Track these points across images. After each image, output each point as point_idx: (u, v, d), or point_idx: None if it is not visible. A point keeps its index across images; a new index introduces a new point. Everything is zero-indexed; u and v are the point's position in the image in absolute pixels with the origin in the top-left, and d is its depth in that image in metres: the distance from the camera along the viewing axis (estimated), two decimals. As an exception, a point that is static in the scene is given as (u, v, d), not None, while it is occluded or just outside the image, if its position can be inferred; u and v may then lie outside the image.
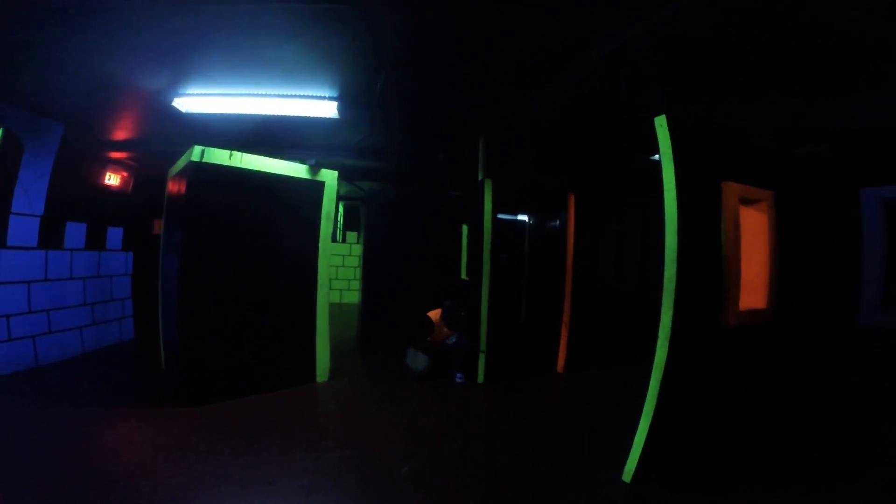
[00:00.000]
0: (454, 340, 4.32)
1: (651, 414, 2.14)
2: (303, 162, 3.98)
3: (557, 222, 5.29)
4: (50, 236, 4.19)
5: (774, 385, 2.44)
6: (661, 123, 2.08)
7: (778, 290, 2.39)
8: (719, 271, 2.16)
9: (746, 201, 2.42)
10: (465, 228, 5.63)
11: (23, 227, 3.88)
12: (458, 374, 4.24)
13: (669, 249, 2.05)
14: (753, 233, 2.45)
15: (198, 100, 3.38)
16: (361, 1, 1.98)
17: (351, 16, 2.13)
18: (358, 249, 10.67)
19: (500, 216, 4.85)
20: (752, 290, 2.43)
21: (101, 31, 2.42)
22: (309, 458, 2.55)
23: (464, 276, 5.55)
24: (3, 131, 3.70)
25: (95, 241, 4.83)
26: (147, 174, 5.61)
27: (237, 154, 3.48)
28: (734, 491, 2.22)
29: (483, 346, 4.12)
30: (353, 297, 10.52)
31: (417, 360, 4.30)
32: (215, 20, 2.32)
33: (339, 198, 9.68)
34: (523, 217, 5.80)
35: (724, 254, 2.16)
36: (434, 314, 4.42)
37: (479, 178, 4.22)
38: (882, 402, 2.48)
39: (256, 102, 3.41)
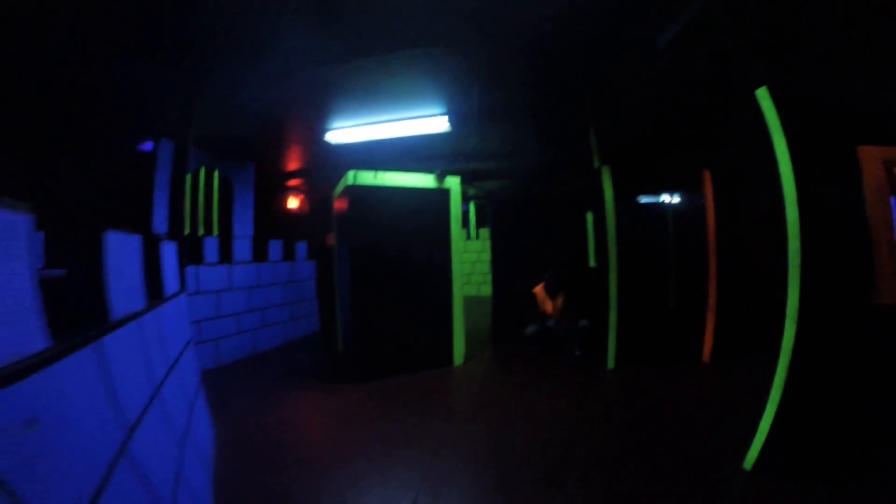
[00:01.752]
0: (553, 323, 4.69)
1: (777, 401, 1.99)
2: (431, 172, 4.53)
3: (696, 202, 4.86)
4: (259, 252, 5.57)
5: None
6: (762, 96, 1.92)
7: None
8: (862, 243, 1.89)
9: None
10: (589, 216, 5.56)
11: (241, 247, 5.28)
12: (577, 350, 4.66)
13: (791, 223, 1.88)
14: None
15: (342, 132, 4.16)
16: (446, 45, 2.34)
17: (442, 54, 2.52)
18: (492, 245, 11.12)
19: (632, 200, 4.70)
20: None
21: (270, 82, 3.22)
22: (441, 426, 3.02)
23: (592, 263, 5.49)
24: (218, 174, 5.08)
25: (288, 254, 6.20)
26: (317, 196, 6.94)
27: (380, 173, 4.19)
28: (859, 485, 1.93)
29: (612, 334, 4.10)
30: (490, 289, 11.04)
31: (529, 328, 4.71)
32: (353, 69, 2.93)
33: (469, 198, 10.30)
34: (655, 199, 5.46)
35: (869, 224, 1.88)
36: (538, 288, 4.64)
37: (595, 165, 4.21)
38: None
39: (387, 128, 4.04)
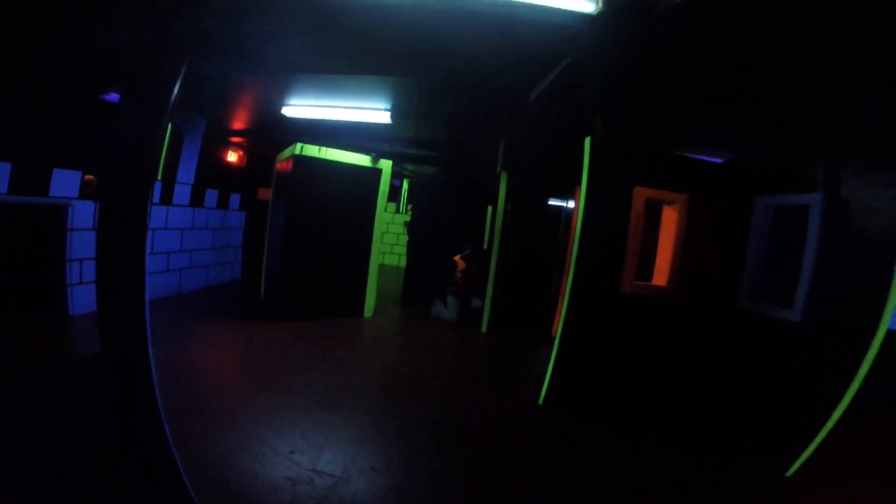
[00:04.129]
0: (478, 305, 5.59)
1: (554, 357, 3.24)
2: (368, 153, 5.35)
3: (569, 209, 6.24)
4: (196, 198, 5.99)
5: (667, 345, 3.37)
6: (587, 144, 3.10)
7: (679, 273, 3.30)
8: (620, 252, 3.16)
9: (668, 202, 3.34)
10: (489, 209, 6.75)
11: (181, 192, 5.70)
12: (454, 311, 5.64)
13: (577, 234, 3.11)
14: (669, 227, 3.37)
15: (298, 108, 4.81)
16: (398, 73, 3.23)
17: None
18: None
19: (528, 201, 5.91)
20: (662, 271, 3.38)
21: (236, 62, 3.80)
22: (345, 354, 4.02)
23: (485, 246, 6.71)
24: (171, 126, 5.44)
25: (222, 203, 6.64)
26: (255, 154, 7.36)
27: (324, 149, 4.92)
28: (614, 421, 3.17)
29: (487, 303, 5.32)
30: (409, 263, 11.97)
31: (445, 312, 5.64)
32: (316, 68, 3.64)
33: (405, 176, 11.09)
34: (552, 203, 6.78)
35: (627, 240, 3.14)
36: (459, 257, 5.73)
37: (498, 169, 5.32)
38: (750, 371, 3.29)
39: (337, 111, 4.76)
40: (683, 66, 2.65)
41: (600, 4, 2.10)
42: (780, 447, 2.76)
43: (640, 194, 3.20)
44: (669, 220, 3.37)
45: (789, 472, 2.66)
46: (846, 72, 2.68)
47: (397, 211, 12.38)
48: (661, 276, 3.37)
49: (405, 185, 12.32)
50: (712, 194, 3.32)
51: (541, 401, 3.40)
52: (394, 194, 12.44)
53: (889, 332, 2.51)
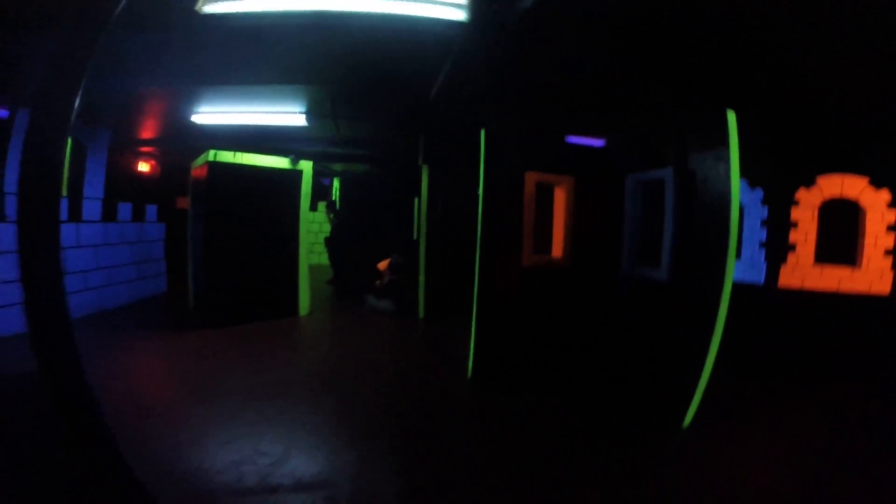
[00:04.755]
0: (392, 279, 5.90)
1: (474, 331, 3.61)
2: (288, 155, 5.41)
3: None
4: (108, 213, 5.74)
5: (565, 310, 3.85)
6: (482, 134, 3.47)
7: (571, 246, 3.79)
8: (518, 230, 3.58)
9: (557, 184, 3.80)
10: (416, 201, 7.06)
11: (91, 207, 5.44)
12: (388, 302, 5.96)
13: (480, 215, 3.49)
14: (560, 206, 3.84)
15: (209, 115, 4.79)
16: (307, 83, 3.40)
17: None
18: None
19: (450, 193, 6.25)
20: (557, 245, 3.85)
21: (140, 65, 3.75)
22: (283, 353, 4.16)
23: (415, 237, 7.02)
24: (72, 140, 5.18)
25: (138, 216, 6.38)
26: (169, 162, 7.11)
27: (239, 154, 4.93)
28: (530, 387, 3.57)
29: (421, 291, 5.63)
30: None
31: (380, 304, 5.89)
32: (225, 77, 3.69)
33: (335, 174, 11.09)
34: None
35: (522, 219, 3.56)
36: (382, 264, 6.00)
37: (419, 162, 5.61)
38: (635, 329, 3.83)
39: (250, 116, 4.80)
40: (555, 61, 3.07)
41: (469, 13, 2.42)
42: (671, 399, 3.08)
43: (531, 178, 3.61)
44: (560, 199, 3.83)
45: (685, 423, 2.87)
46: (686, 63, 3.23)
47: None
48: (557, 249, 3.83)
49: (335, 183, 12.30)
50: (594, 175, 3.82)
51: (469, 375, 3.75)
52: (325, 193, 12.38)
53: (737, 284, 3.06)
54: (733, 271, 2.86)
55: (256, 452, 2.40)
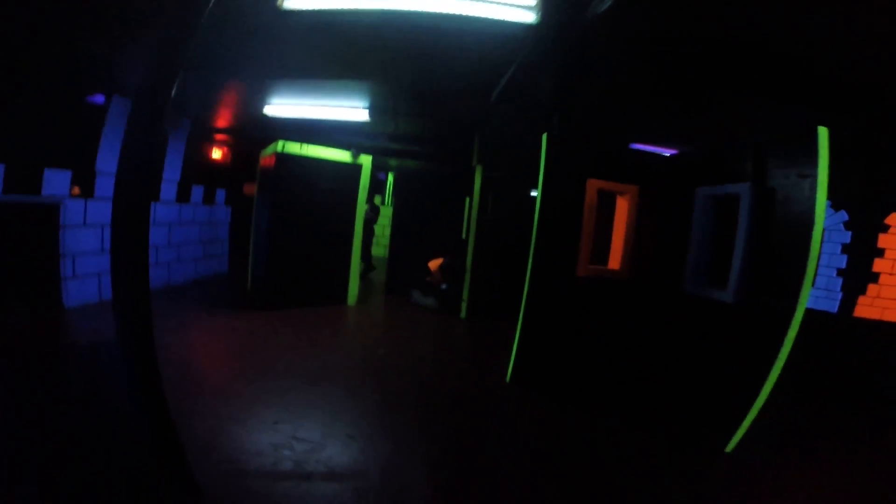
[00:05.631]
0: (445, 287, 5.88)
1: (518, 337, 3.55)
2: (349, 149, 5.59)
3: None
4: (182, 194, 6.18)
5: (620, 324, 3.68)
6: (544, 139, 3.40)
7: (631, 258, 3.64)
8: (575, 239, 3.48)
9: (620, 193, 3.66)
10: (467, 200, 7.04)
11: (168, 189, 5.88)
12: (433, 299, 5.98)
13: (535, 220, 3.42)
14: (622, 215, 3.70)
15: (279, 108, 5.03)
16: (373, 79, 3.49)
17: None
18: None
19: (503, 194, 6.21)
20: (616, 256, 3.71)
21: (223, 61, 3.99)
22: (328, 338, 4.31)
23: (463, 236, 7.01)
24: None
25: (209, 198, 6.83)
26: (239, 150, 7.53)
27: (305, 145, 5.16)
28: (572, 396, 3.48)
29: (466, 291, 5.63)
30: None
31: (425, 301, 5.94)
32: (298, 71, 3.86)
33: (389, 169, 11.28)
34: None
35: (581, 227, 3.46)
36: (433, 264, 6.01)
37: (473, 163, 5.61)
38: (691, 349, 3.61)
39: (317, 110, 4.99)
40: (625, 67, 2.96)
41: (539, 16, 2.38)
42: (719, 422, 2.95)
43: (593, 186, 3.51)
44: (622, 209, 3.69)
45: (728, 448, 2.76)
46: (769, 76, 3.02)
47: (383, 203, 12.49)
48: (615, 261, 3.70)
49: (390, 178, 12.52)
50: (661, 185, 3.64)
51: (508, 378, 3.72)
52: (380, 187, 12.61)
53: (807, 312, 2.84)
54: (807, 298, 2.66)
55: (295, 438, 2.48)
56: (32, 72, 3.75)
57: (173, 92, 1.66)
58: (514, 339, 3.63)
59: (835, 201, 4.33)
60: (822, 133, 2.47)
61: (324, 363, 3.65)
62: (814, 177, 2.47)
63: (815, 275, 4.30)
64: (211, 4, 1.43)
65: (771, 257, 2.98)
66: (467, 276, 5.59)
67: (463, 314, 5.71)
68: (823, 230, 4.27)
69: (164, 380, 1.75)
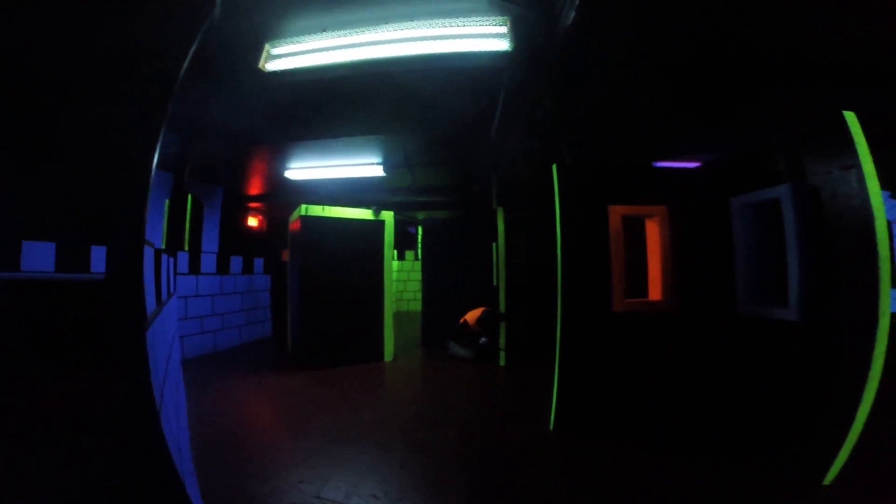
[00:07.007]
0: (484, 340, 5.59)
1: (557, 382, 3.24)
2: (370, 206, 5.71)
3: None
4: (222, 265, 6.50)
5: (672, 358, 3.28)
6: (554, 170, 3.27)
7: (673, 286, 3.31)
8: (605, 271, 3.22)
9: (647, 216, 3.42)
10: (494, 246, 6.90)
11: (207, 260, 6.20)
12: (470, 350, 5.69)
13: (559, 259, 3.20)
14: (654, 240, 3.43)
15: (298, 171, 5.28)
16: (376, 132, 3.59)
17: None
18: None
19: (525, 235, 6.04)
20: (654, 286, 3.40)
21: (222, 124, 4.23)
22: (362, 395, 4.16)
23: (494, 283, 6.80)
24: (192, 197, 6.04)
25: (247, 268, 7.14)
26: (274, 218, 7.93)
27: (327, 207, 5.33)
28: (623, 440, 3.09)
29: (502, 343, 5.36)
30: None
31: (463, 352, 5.70)
32: (311, 133, 4.06)
33: (417, 223, 11.37)
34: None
35: (610, 258, 3.21)
36: (470, 316, 5.76)
37: (494, 205, 5.53)
38: (759, 376, 3.18)
39: (334, 170, 5.20)
40: (616, 80, 2.85)
41: (511, 41, 2.35)
42: (808, 454, 2.60)
43: (616, 212, 3.30)
44: (653, 233, 3.42)
45: (826, 481, 2.46)
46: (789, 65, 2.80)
47: (416, 258, 12.36)
48: (655, 291, 3.38)
49: (420, 231, 12.62)
50: (690, 201, 3.37)
51: (551, 426, 3.38)
52: (412, 242, 12.70)
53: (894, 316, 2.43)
54: (889, 303, 2.29)
55: (318, 498, 2.35)
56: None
57: (155, 156, 1.69)
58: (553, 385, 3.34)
59: (893, 189, 3.83)
60: (851, 117, 2.21)
61: (357, 420, 3.51)
62: (857, 166, 2.17)
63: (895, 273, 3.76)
64: (183, 69, 1.49)
65: (832, 262, 2.63)
66: (503, 325, 5.35)
67: (502, 362, 5.41)
68: (889, 222, 3.78)
69: (199, 437, 1.69)
